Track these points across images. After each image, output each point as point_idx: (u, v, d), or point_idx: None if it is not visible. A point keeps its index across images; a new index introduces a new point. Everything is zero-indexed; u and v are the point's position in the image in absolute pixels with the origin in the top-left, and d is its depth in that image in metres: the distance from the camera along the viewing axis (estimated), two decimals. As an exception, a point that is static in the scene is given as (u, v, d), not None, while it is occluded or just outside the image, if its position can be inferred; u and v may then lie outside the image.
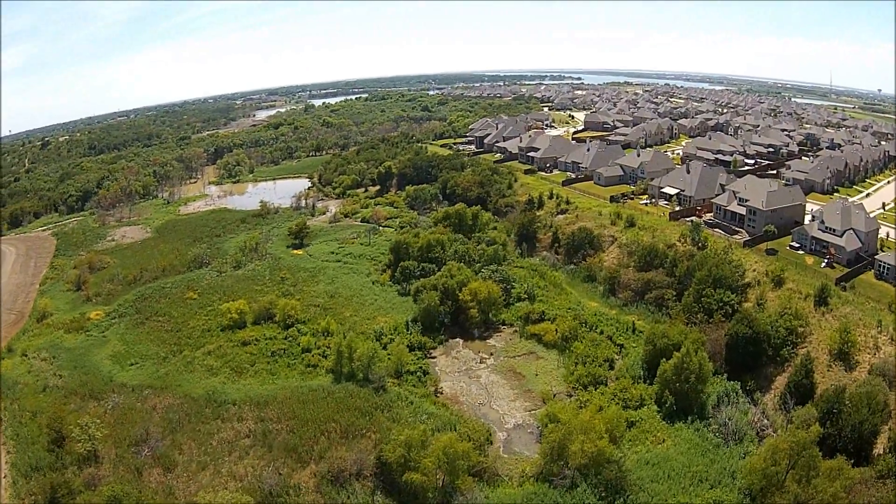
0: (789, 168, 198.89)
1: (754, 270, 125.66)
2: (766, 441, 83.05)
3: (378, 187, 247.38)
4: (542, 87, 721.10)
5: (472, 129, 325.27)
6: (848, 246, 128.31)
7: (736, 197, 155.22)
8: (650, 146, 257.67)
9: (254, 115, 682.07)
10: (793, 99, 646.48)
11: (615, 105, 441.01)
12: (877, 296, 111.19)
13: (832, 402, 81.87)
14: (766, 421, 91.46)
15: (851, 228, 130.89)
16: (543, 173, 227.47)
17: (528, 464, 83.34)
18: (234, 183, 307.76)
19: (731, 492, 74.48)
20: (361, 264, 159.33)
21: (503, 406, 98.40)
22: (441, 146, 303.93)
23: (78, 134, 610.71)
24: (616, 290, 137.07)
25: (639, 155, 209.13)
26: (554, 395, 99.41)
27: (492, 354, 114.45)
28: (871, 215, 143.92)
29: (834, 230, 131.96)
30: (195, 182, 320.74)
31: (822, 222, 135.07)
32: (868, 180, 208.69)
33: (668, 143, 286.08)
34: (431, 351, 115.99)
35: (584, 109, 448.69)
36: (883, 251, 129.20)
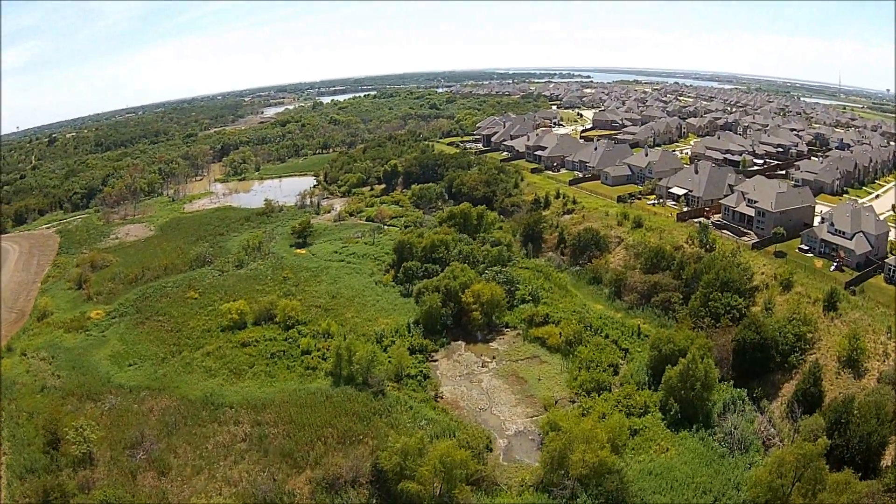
0: (798, 169, 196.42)
1: (762, 273, 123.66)
2: (773, 452, 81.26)
3: (384, 186, 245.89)
4: (551, 86, 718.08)
5: (479, 128, 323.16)
6: (857, 249, 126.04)
7: (744, 198, 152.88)
8: (658, 145, 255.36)
9: (262, 112, 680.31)
10: (801, 98, 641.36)
11: (624, 103, 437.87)
12: (887, 300, 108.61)
13: (840, 411, 79.86)
14: (772, 430, 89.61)
15: (861, 231, 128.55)
16: (550, 172, 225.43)
17: (528, 472, 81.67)
18: (240, 181, 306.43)
19: (735, 504, 72.73)
20: (365, 264, 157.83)
21: (504, 412, 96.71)
22: (448, 144, 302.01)
23: (85, 131, 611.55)
24: (622, 293, 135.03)
25: (647, 154, 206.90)
26: (556, 402, 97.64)
27: (494, 358, 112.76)
28: (881, 217, 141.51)
29: (843, 233, 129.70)
30: (201, 179, 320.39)
31: (832, 224, 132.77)
32: (878, 181, 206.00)
33: (677, 142, 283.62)
34: (433, 354, 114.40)
35: (593, 108, 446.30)
36: (893, 254, 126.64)
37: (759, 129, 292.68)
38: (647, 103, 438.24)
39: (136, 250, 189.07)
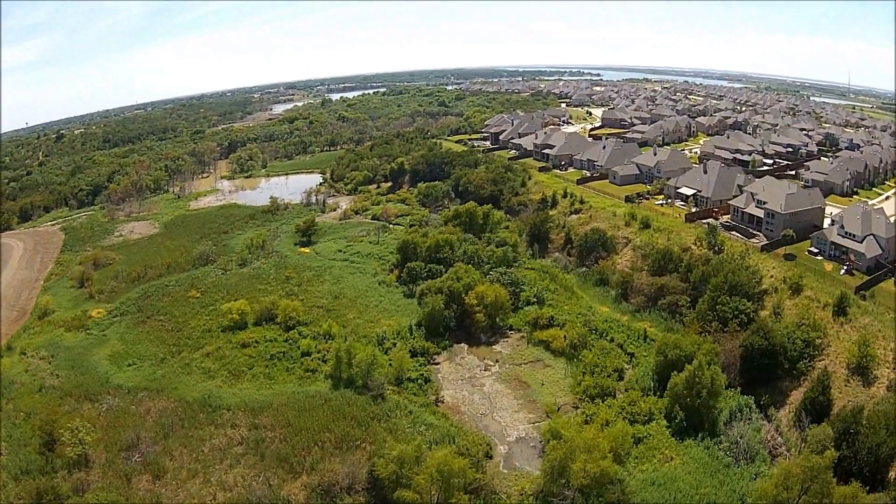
0: (808, 169, 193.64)
1: (771, 277, 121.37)
2: (779, 462, 79.29)
3: (390, 184, 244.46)
4: (561, 83, 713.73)
5: (487, 125, 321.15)
6: (868, 252, 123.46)
7: (754, 199, 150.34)
8: (667, 144, 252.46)
9: (271, 109, 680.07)
10: (811, 98, 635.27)
11: (633, 102, 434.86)
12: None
13: (849, 422, 77.56)
14: (779, 439, 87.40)
15: (872, 234, 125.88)
16: (558, 171, 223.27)
17: (528, 481, 79.97)
18: (246, 178, 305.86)
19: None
20: (369, 263, 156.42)
21: (506, 417, 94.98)
22: (456, 142, 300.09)
23: (94, 127, 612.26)
24: (628, 295, 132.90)
25: (655, 153, 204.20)
26: (559, 408, 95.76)
27: (497, 361, 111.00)
28: (892, 220, 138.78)
29: (854, 236, 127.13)
30: (207, 177, 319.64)
31: (842, 227, 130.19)
32: (887, 183, 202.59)
33: (686, 141, 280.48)
34: (435, 357, 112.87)
35: (602, 106, 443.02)
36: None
37: (768, 129, 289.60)
38: (656, 102, 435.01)
39: (139, 248, 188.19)
